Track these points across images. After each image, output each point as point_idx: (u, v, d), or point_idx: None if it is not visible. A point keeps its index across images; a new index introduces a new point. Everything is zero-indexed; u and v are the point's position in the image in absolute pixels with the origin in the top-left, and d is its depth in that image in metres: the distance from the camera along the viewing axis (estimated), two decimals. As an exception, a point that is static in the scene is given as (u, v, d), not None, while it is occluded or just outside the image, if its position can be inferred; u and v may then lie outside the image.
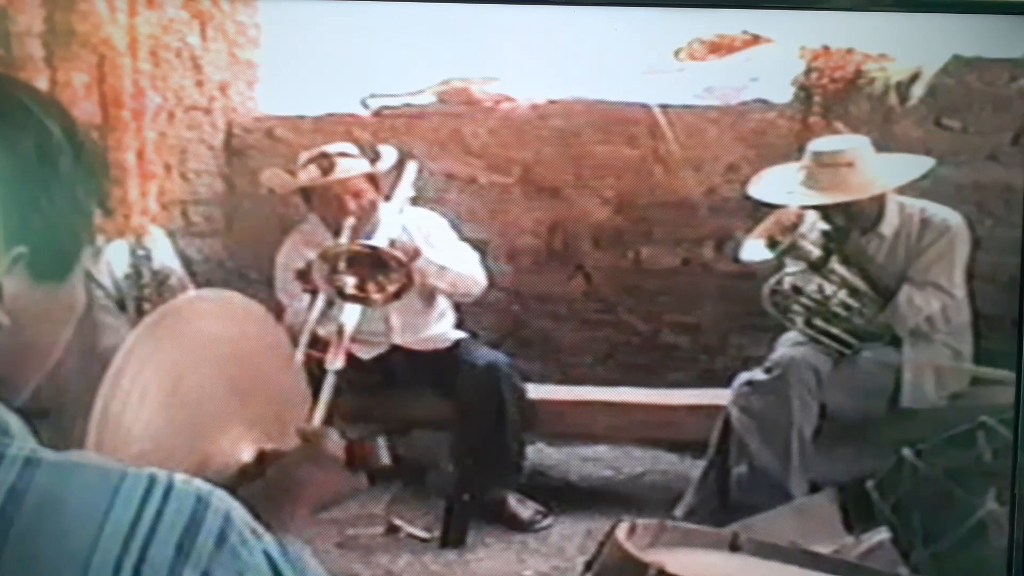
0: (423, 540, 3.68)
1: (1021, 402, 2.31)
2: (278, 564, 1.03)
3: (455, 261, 3.85)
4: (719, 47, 4.13)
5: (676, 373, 4.27)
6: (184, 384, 1.55)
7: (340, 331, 3.48)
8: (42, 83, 2.79)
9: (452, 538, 3.68)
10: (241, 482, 1.56)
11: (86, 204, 1.10)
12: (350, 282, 3.51)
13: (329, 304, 3.52)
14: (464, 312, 4.04)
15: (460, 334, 3.98)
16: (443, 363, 3.89)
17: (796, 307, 3.75)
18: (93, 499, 0.96)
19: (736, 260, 3.99)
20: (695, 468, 3.87)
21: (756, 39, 4.08)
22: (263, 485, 1.57)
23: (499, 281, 4.13)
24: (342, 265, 3.49)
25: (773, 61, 4.13)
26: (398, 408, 3.90)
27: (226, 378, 1.62)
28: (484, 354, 3.92)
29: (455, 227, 3.96)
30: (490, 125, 4.28)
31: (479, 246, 3.99)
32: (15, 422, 1.03)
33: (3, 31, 2.73)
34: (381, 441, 1.62)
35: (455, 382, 3.85)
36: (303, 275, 3.60)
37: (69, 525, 0.95)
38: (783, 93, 4.18)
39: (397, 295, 3.55)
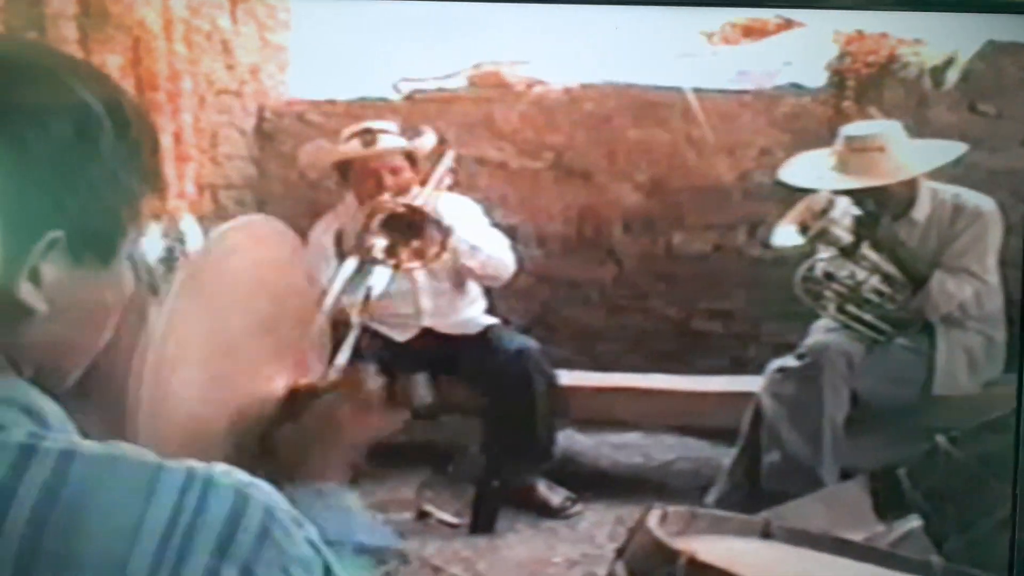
0: (453, 526, 3.68)
1: (1021, 402, 2.29)
2: (322, 552, 1.01)
3: (486, 243, 3.85)
4: (752, 31, 4.11)
5: (707, 360, 4.26)
6: (220, 331, 1.52)
7: (368, 295, 3.48)
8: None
9: (482, 524, 3.68)
10: (277, 425, 1.54)
11: (130, 184, 1.05)
12: (381, 244, 3.51)
13: (358, 270, 3.51)
14: (494, 298, 4.03)
15: (491, 320, 3.97)
16: (474, 349, 3.88)
17: (828, 293, 3.72)
18: (131, 494, 0.94)
19: (767, 246, 3.97)
20: (725, 455, 3.85)
21: (789, 23, 4.06)
22: (301, 428, 1.54)
23: (529, 267, 4.11)
24: (375, 225, 3.48)
25: (807, 45, 4.11)
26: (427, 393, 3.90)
27: (258, 313, 1.58)
28: (515, 340, 3.91)
29: (485, 212, 3.95)
30: (521, 109, 4.27)
31: (509, 231, 3.98)
32: (54, 412, 1.01)
33: (38, 13, 2.72)
34: (421, 378, 1.61)
35: (485, 368, 3.84)
36: (337, 240, 3.62)
37: (106, 521, 0.92)
38: (817, 77, 4.16)
39: (427, 260, 3.55)
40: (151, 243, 3.37)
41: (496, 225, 3.96)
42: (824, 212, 3.67)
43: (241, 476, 0.99)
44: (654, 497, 3.57)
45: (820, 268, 3.72)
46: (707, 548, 2.54)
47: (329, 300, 3.33)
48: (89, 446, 0.96)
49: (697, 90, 4.10)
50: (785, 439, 3.63)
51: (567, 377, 3.96)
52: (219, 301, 1.53)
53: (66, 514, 0.92)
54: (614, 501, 3.87)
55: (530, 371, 3.80)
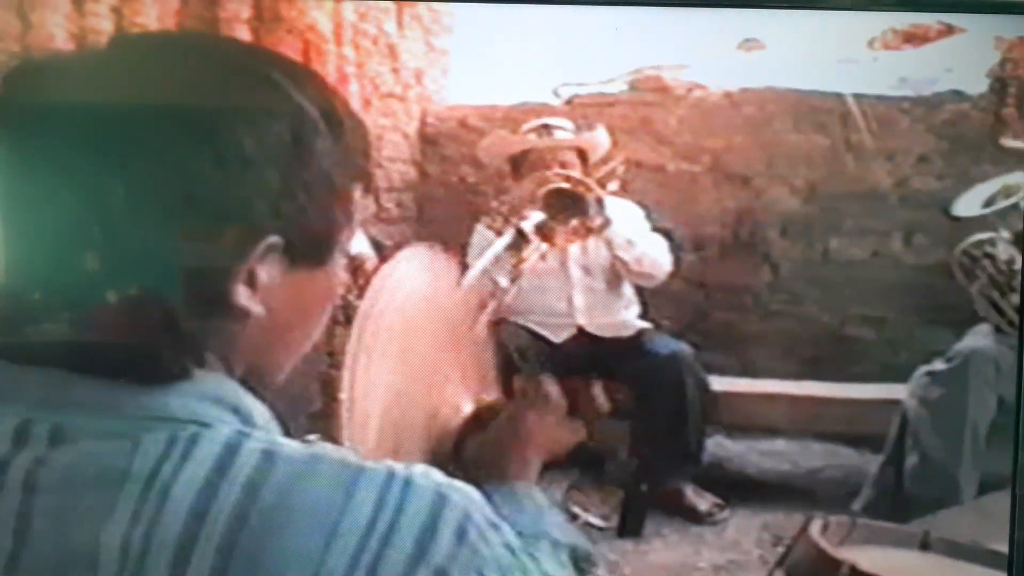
0: (600, 528, 3.69)
1: (1021, 401, 2.22)
2: (519, 556, 1.01)
3: (643, 240, 3.86)
4: (913, 36, 4.05)
5: (858, 367, 4.21)
6: (407, 345, 1.56)
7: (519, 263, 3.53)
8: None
9: (629, 528, 3.66)
10: (465, 435, 1.57)
11: (344, 185, 1.08)
12: (535, 218, 3.56)
13: (511, 246, 3.55)
14: (647, 302, 4.03)
15: (643, 324, 3.98)
16: (626, 351, 3.89)
17: (978, 271, 3.67)
18: (331, 493, 0.95)
19: (946, 213, 3.91)
20: (873, 463, 3.81)
21: (951, 29, 3.99)
22: (490, 437, 1.57)
23: (683, 271, 4.12)
24: (539, 197, 3.55)
25: (967, 51, 4.04)
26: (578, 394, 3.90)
27: (435, 335, 1.62)
28: (668, 344, 3.91)
29: (644, 215, 3.97)
30: (680, 113, 4.26)
31: (665, 235, 3.99)
32: (260, 411, 1.03)
33: (211, 17, 2.79)
34: (598, 389, 1.62)
35: (638, 371, 3.84)
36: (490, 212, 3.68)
37: (305, 520, 0.93)
38: (977, 84, 4.09)
39: (583, 237, 3.59)
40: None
41: (654, 229, 3.97)
42: (1015, 193, 3.62)
43: (440, 477, 0.99)
44: (801, 504, 3.56)
45: (985, 248, 3.66)
46: (867, 558, 2.54)
47: (473, 272, 3.38)
48: (292, 445, 0.98)
49: (857, 95, 4.06)
50: (926, 443, 3.59)
51: (718, 383, 3.96)
52: (399, 338, 1.56)
53: (267, 512, 0.93)
54: (761, 508, 3.85)
55: (683, 375, 3.80)
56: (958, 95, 4.15)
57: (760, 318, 4.40)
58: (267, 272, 1.02)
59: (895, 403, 3.71)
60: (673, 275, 3.94)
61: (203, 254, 1.01)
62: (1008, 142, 3.76)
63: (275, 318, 1.04)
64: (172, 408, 0.99)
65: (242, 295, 1.02)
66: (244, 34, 2.84)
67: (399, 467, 0.98)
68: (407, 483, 0.97)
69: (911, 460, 3.63)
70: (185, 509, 0.93)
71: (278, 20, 2.87)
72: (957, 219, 3.83)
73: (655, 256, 3.88)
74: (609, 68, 4.29)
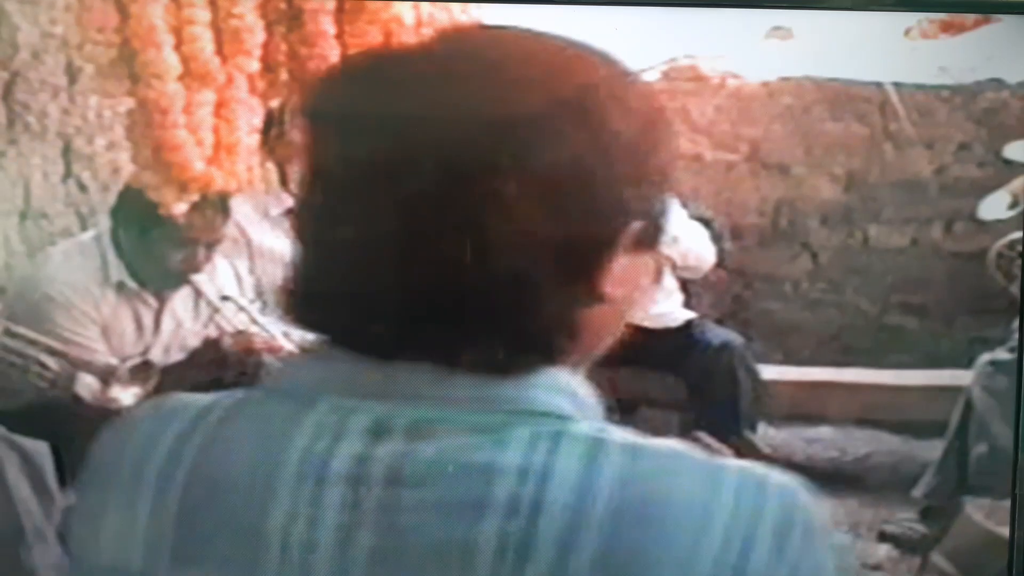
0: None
1: (1021, 401, 2.27)
2: (846, 555, 1.06)
3: (686, 235, 3.85)
4: (951, 26, 4.07)
5: (899, 355, 4.24)
6: None
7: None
8: (335, 60, 2.80)
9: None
10: None
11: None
12: None
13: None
14: (689, 292, 4.03)
15: (691, 313, 3.97)
16: (675, 342, 3.88)
17: (1016, 270, 3.70)
18: (698, 490, 0.95)
19: (973, 218, 3.95)
20: (920, 449, 3.84)
21: (987, 18, 4.02)
22: None
23: (723, 260, 4.11)
24: None
25: (1007, 40, 4.07)
26: (627, 385, 3.90)
27: None
28: (718, 334, 3.92)
29: (682, 205, 3.95)
30: (717, 103, 4.26)
31: (705, 224, 3.98)
32: (595, 404, 1.04)
33: (296, 9, 2.75)
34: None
35: (687, 362, 3.84)
36: None
37: (676, 516, 0.94)
38: (1018, 72, 4.12)
39: None
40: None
41: (692, 218, 3.95)
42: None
43: (788, 477, 0.99)
44: (851, 491, 3.58)
45: (1019, 247, 3.70)
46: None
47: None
48: (652, 440, 0.99)
49: (897, 84, 4.08)
50: (995, 432, 3.61)
51: (764, 372, 3.96)
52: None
53: (639, 507, 0.93)
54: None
55: (735, 366, 3.81)
56: (998, 83, 4.19)
57: (800, 307, 4.43)
58: (627, 258, 1.03)
59: (940, 390, 3.74)
60: (714, 265, 3.93)
61: (578, 241, 1.00)
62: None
63: (617, 303, 1.05)
64: (531, 400, 0.99)
65: (608, 282, 1.02)
66: (328, 25, 2.79)
67: (748, 464, 0.99)
68: (763, 481, 0.97)
69: (978, 449, 3.65)
70: (561, 503, 0.93)
71: (361, 11, 2.82)
72: (984, 223, 3.86)
73: (700, 250, 3.87)
74: (644, 58, 4.28)
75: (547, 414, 0.99)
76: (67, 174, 3.70)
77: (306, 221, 1.08)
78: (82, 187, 3.72)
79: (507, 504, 0.93)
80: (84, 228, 3.65)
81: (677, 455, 0.98)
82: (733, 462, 0.98)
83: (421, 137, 0.98)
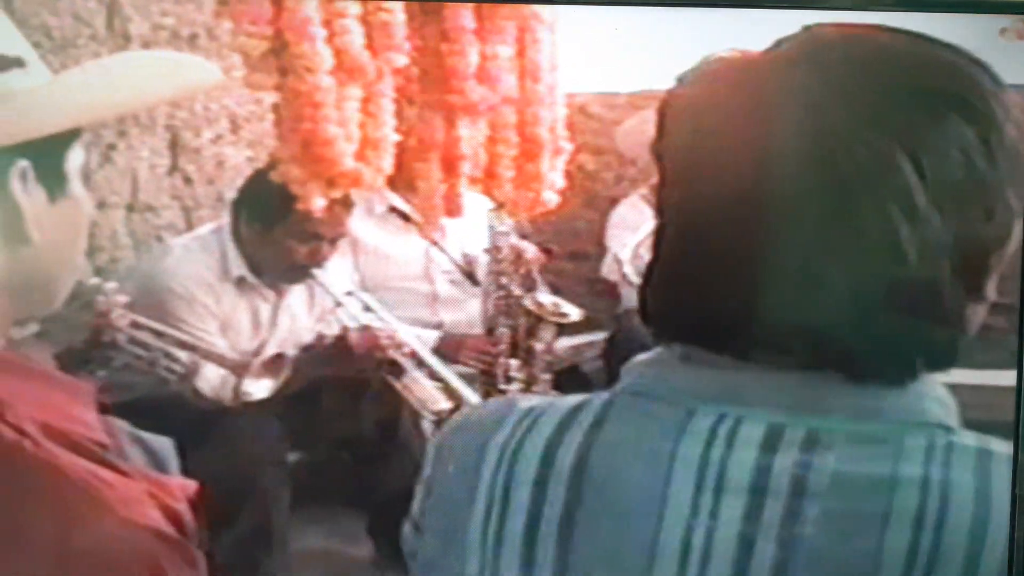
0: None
1: (1021, 402, 2.27)
2: None
3: None
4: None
5: (989, 354, 4.21)
6: None
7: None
8: (473, 56, 2.78)
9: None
10: None
11: None
12: None
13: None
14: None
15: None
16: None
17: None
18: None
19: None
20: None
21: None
22: None
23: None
24: None
25: None
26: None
27: None
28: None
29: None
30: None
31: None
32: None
33: (437, 5, 2.73)
34: None
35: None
36: None
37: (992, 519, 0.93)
38: None
39: None
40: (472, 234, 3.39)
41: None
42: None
43: (979, 438, 0.99)
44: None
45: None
46: None
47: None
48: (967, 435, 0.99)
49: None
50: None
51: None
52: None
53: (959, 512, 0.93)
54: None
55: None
56: None
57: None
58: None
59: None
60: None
61: (974, 242, 0.99)
62: None
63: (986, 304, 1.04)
64: (923, 411, 0.98)
65: (991, 283, 1.02)
66: (469, 21, 2.77)
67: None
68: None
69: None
70: (964, 515, 0.92)
71: (500, 5, 2.81)
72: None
73: None
74: (679, 59, 4.26)
75: (938, 425, 0.98)
76: (173, 167, 3.69)
77: (676, 230, 1.04)
78: (187, 180, 3.70)
79: (913, 517, 0.92)
80: (189, 222, 3.64)
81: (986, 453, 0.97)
82: None
83: (809, 145, 0.96)
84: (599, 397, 1.05)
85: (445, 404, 3.05)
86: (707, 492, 0.96)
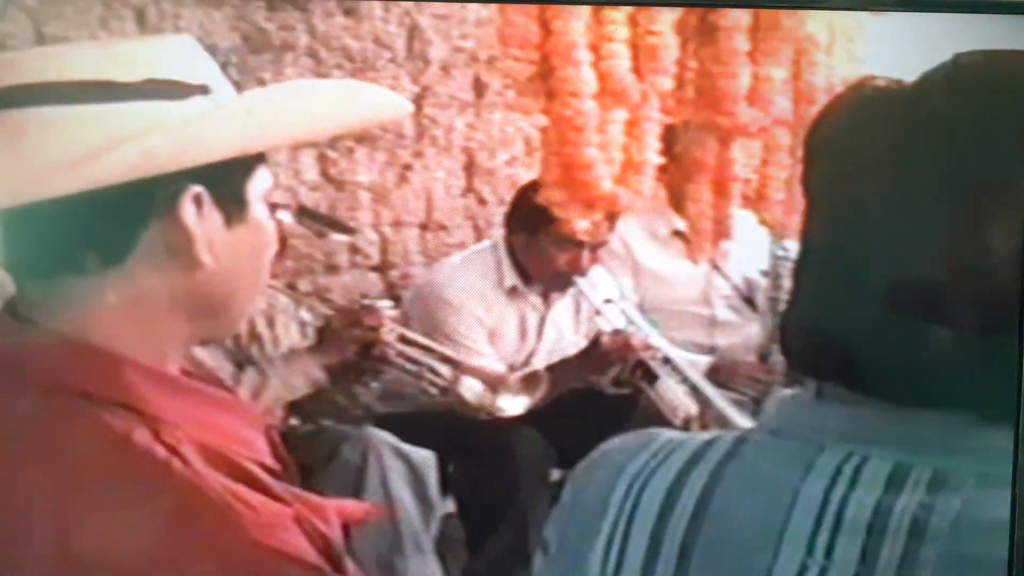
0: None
1: (1021, 402, 1.93)
2: None
3: None
4: None
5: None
6: None
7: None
8: (745, 78, 2.74)
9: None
10: None
11: None
12: None
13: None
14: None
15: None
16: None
17: None
18: None
19: None
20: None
21: None
22: None
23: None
24: None
25: None
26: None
27: None
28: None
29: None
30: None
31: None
32: None
33: (710, 25, 2.71)
34: None
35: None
36: None
37: None
38: None
39: None
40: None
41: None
42: None
43: None
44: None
45: None
46: None
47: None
48: None
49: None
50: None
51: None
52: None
53: None
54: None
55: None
56: None
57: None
58: None
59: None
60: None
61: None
62: None
63: None
64: None
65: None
66: (742, 43, 2.73)
67: None
68: None
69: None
70: None
71: (776, 28, 2.75)
72: None
73: None
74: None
75: None
76: (467, 188, 3.78)
77: (816, 262, 1.02)
78: (481, 201, 3.79)
79: None
80: (479, 241, 3.71)
81: None
82: None
83: (947, 176, 0.93)
84: (732, 433, 1.04)
85: (695, 411, 3.04)
86: (825, 531, 0.94)
